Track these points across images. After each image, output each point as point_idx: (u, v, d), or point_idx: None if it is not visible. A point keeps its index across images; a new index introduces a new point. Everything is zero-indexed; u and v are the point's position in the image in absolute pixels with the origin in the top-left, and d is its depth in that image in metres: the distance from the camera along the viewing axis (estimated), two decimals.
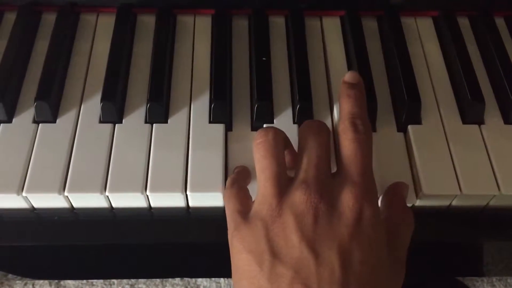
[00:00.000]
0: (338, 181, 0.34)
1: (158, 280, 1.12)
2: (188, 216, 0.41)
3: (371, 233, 0.32)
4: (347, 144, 0.35)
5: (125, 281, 1.13)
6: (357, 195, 0.33)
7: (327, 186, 0.34)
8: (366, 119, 0.37)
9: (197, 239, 0.42)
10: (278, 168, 0.35)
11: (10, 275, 0.51)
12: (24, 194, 0.38)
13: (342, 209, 0.33)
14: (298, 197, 0.33)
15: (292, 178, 0.35)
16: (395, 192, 0.39)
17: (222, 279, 1.15)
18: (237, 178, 0.38)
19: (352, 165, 0.34)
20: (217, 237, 0.42)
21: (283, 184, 0.34)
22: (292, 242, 0.32)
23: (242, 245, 0.33)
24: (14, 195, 0.38)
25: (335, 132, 0.42)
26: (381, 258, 0.33)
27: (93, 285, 1.14)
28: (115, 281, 1.14)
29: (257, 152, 0.36)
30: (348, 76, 0.39)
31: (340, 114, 0.38)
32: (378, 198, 0.35)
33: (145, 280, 1.12)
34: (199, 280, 1.14)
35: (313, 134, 0.36)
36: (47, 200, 0.39)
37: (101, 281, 1.13)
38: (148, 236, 0.42)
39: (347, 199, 0.33)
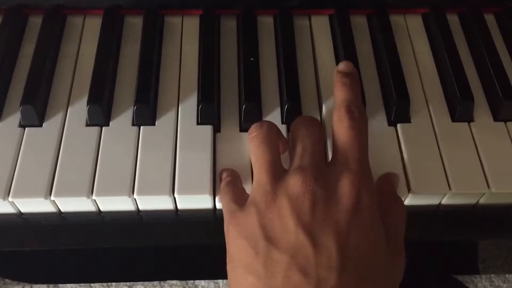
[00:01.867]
0: (334, 168, 0.34)
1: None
2: (177, 219, 0.41)
3: (368, 219, 0.32)
4: (344, 131, 0.34)
5: (121, 283, 1.13)
6: (355, 181, 0.32)
7: (322, 172, 0.33)
8: (361, 106, 0.36)
9: (187, 241, 0.42)
10: (271, 156, 0.35)
11: (7, 280, 0.51)
12: (10, 199, 0.38)
13: (340, 194, 0.32)
14: (294, 181, 0.32)
15: (287, 170, 0.35)
16: (386, 181, 0.39)
17: (220, 280, 1.15)
18: (231, 180, 0.38)
19: (349, 151, 0.34)
20: (206, 238, 0.42)
21: (277, 172, 0.34)
22: (288, 227, 0.31)
23: (237, 231, 0.33)
24: (0, 200, 0.38)
25: (327, 127, 0.42)
26: (378, 244, 0.32)
27: (90, 286, 1.14)
28: (113, 282, 1.13)
29: (251, 143, 0.36)
30: (342, 65, 0.39)
31: (335, 102, 0.37)
32: (374, 186, 0.34)
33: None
34: (197, 280, 1.13)
35: (305, 125, 0.36)
36: (34, 205, 0.39)
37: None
38: (137, 239, 0.42)
39: (345, 185, 0.32)
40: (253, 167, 0.35)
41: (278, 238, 0.31)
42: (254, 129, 0.36)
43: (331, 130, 0.36)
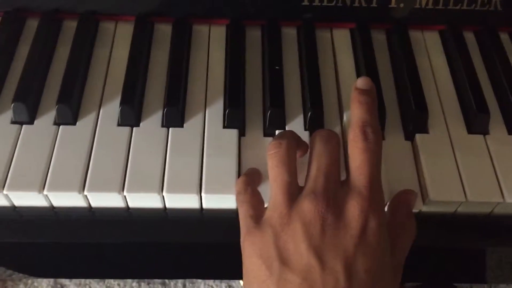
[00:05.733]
0: (346, 191, 0.35)
1: (160, 287, 1.14)
2: (201, 218, 0.42)
3: (375, 243, 0.34)
4: (357, 153, 0.36)
5: (127, 287, 1.15)
6: (363, 207, 0.34)
7: (335, 195, 0.35)
8: (377, 126, 0.37)
9: (209, 240, 0.44)
10: (289, 177, 0.36)
11: (15, 275, 0.52)
12: (45, 192, 0.39)
13: (348, 219, 0.34)
14: (307, 206, 0.34)
15: (303, 188, 0.36)
16: (402, 199, 0.40)
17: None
18: (249, 181, 0.40)
19: (361, 176, 0.35)
20: (228, 238, 0.43)
21: (293, 193, 0.36)
22: (300, 250, 0.33)
23: (253, 249, 0.35)
24: (36, 193, 0.40)
25: (345, 139, 0.44)
26: (384, 267, 0.34)
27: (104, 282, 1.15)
28: (117, 287, 1.15)
29: (270, 161, 0.38)
30: (360, 82, 0.39)
31: (351, 120, 0.38)
32: (384, 207, 0.36)
33: (147, 287, 1.14)
34: (201, 287, 1.15)
35: (323, 142, 0.37)
36: (66, 199, 0.41)
37: (104, 287, 1.15)
38: (161, 235, 0.43)
39: (353, 210, 0.34)
40: (270, 184, 0.37)
41: (291, 260, 0.33)
42: (273, 147, 0.38)
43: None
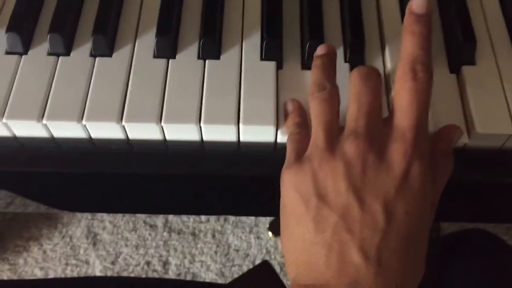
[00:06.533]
0: (389, 132, 0.34)
1: (190, 237, 1.16)
2: (238, 151, 0.42)
3: (417, 188, 0.33)
4: (404, 93, 0.33)
5: (158, 237, 1.18)
6: (406, 151, 0.32)
7: (377, 136, 0.34)
8: (430, 63, 0.34)
9: (245, 174, 0.43)
10: (330, 116, 0.35)
11: (54, 212, 0.52)
12: (84, 122, 0.40)
13: (390, 162, 0.33)
14: (348, 146, 0.33)
15: (343, 128, 0.35)
16: (443, 135, 0.38)
17: (252, 239, 1.18)
18: (301, 123, 0.39)
19: (406, 117, 0.33)
20: (264, 172, 0.43)
21: (334, 132, 0.35)
22: (339, 189, 0.32)
23: (291, 183, 0.34)
24: (74, 123, 0.40)
25: (386, 73, 0.42)
26: (424, 209, 0.33)
27: (127, 240, 1.19)
28: (148, 237, 1.18)
29: (311, 101, 0.37)
30: (416, 3, 0.35)
31: (401, 53, 0.35)
32: (429, 151, 0.34)
33: (178, 237, 1.17)
34: (230, 238, 1.17)
35: (363, 80, 0.35)
36: (104, 130, 0.41)
37: (136, 236, 1.18)
38: (197, 169, 0.43)
39: (396, 154, 0.33)
40: (312, 123, 0.36)
41: (329, 197, 0.33)
42: (315, 89, 0.37)
43: (394, 76, 0.36)
